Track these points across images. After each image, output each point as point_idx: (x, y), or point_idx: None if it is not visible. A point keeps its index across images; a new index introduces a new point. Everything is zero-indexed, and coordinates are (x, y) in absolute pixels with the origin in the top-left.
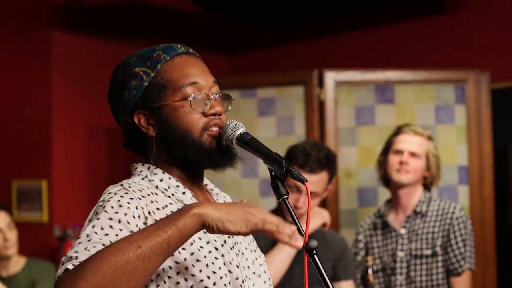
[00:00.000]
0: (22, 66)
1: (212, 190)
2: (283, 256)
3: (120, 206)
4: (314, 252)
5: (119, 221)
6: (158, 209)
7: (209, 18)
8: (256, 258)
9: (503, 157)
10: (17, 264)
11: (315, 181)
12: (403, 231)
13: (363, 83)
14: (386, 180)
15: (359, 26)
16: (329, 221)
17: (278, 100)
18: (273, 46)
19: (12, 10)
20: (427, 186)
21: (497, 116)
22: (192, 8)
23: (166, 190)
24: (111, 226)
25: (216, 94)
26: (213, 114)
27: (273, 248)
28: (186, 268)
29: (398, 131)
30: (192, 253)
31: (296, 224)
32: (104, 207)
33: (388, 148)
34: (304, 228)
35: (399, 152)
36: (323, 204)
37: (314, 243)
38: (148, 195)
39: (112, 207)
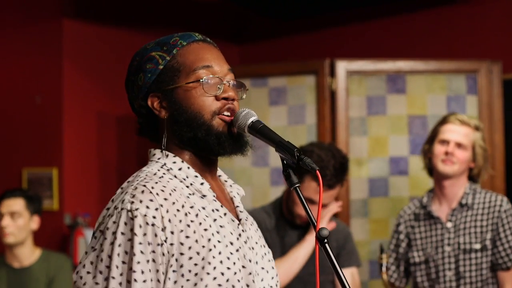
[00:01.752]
0: (33, 54)
1: (226, 181)
2: (304, 254)
3: (147, 223)
4: (326, 241)
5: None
6: (178, 210)
7: (221, 7)
8: (265, 254)
9: None
10: (31, 255)
11: (331, 195)
12: (449, 224)
13: (375, 72)
14: (430, 169)
15: (371, 16)
16: (338, 209)
17: (290, 89)
18: (285, 36)
19: None
20: (472, 178)
21: (509, 107)
22: None
23: (184, 179)
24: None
25: (230, 81)
26: (225, 98)
27: (295, 248)
28: (203, 267)
29: (444, 120)
30: (210, 250)
31: (308, 214)
32: (132, 234)
33: (433, 137)
34: (315, 217)
35: (445, 142)
36: None
37: (325, 231)
38: (170, 194)
39: (140, 226)
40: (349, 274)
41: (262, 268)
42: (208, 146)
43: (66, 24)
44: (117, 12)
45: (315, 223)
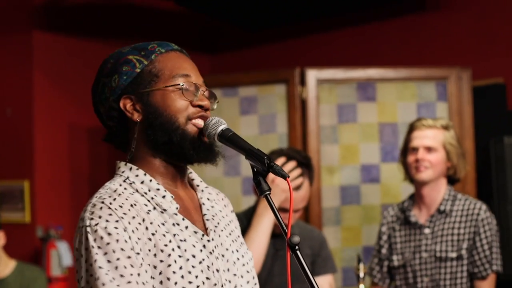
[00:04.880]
0: (3, 67)
1: (198, 186)
2: (261, 234)
3: (109, 234)
4: (297, 248)
5: (119, 251)
6: (139, 223)
7: (191, 18)
8: (238, 259)
9: (485, 154)
10: (5, 267)
11: (302, 197)
12: (427, 230)
13: (345, 81)
14: (410, 179)
15: (341, 24)
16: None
17: (260, 98)
18: (255, 46)
19: None
20: (452, 178)
21: (479, 114)
22: (173, 7)
23: (145, 193)
24: (117, 267)
25: (206, 91)
26: (200, 106)
27: (248, 230)
28: (161, 282)
29: (411, 128)
30: (169, 265)
31: (278, 221)
32: (97, 246)
33: (406, 147)
34: (286, 224)
35: (415, 150)
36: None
37: (296, 238)
38: (129, 210)
39: (102, 238)
40: (326, 281)
41: (234, 274)
42: (182, 151)
43: (36, 36)
44: (87, 24)
45: (286, 230)
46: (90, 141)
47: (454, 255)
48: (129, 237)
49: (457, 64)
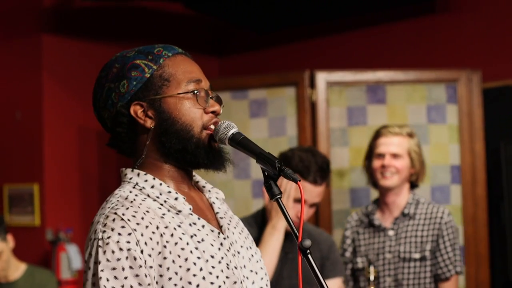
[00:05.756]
0: (13, 70)
1: (204, 187)
2: (273, 244)
3: (121, 249)
4: (308, 251)
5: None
6: (153, 232)
7: (200, 21)
8: (252, 255)
9: (495, 156)
10: (15, 270)
11: (318, 193)
12: (391, 232)
13: (355, 83)
14: (374, 183)
15: (350, 27)
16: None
17: (270, 101)
18: (264, 48)
19: (2, 14)
20: (413, 184)
21: (489, 116)
22: (183, 10)
23: (157, 197)
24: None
25: (215, 96)
26: (213, 112)
27: (267, 240)
28: (183, 287)
29: (377, 134)
30: (188, 269)
31: (290, 224)
32: (103, 261)
33: (371, 152)
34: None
35: (381, 156)
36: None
37: (307, 242)
38: (142, 218)
39: (113, 252)
40: (335, 285)
41: (251, 270)
42: (196, 159)
43: (45, 39)
44: (97, 26)
45: (297, 234)
46: (100, 143)
47: (417, 256)
48: (141, 251)
49: (467, 66)
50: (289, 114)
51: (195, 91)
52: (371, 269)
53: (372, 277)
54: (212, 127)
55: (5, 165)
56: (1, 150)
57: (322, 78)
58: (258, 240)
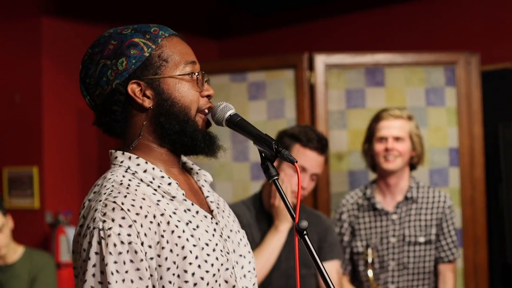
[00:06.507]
0: (12, 53)
1: (191, 169)
2: (274, 244)
3: (122, 243)
4: (305, 233)
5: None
6: (151, 222)
7: (199, 3)
8: (240, 239)
9: (493, 139)
10: (13, 253)
11: (320, 163)
12: (394, 216)
13: (353, 66)
14: (373, 166)
15: (349, 9)
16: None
17: (269, 84)
18: (263, 30)
19: None
20: (413, 166)
21: (487, 98)
22: None
23: (151, 183)
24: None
25: (208, 79)
26: (208, 96)
27: (269, 239)
28: (179, 276)
29: (378, 117)
30: (185, 257)
31: (286, 205)
32: (107, 252)
33: (371, 135)
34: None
35: (383, 139)
36: (314, 187)
37: (304, 223)
38: (141, 207)
39: (115, 245)
40: (333, 267)
41: (240, 255)
42: (193, 142)
43: (45, 21)
44: (96, 9)
45: (294, 215)
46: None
47: (422, 239)
48: (142, 243)
49: (465, 48)
50: (288, 96)
51: (196, 74)
52: (369, 251)
53: (370, 259)
54: (206, 111)
55: (4, 148)
56: (0, 133)
57: (321, 60)
58: (256, 222)
